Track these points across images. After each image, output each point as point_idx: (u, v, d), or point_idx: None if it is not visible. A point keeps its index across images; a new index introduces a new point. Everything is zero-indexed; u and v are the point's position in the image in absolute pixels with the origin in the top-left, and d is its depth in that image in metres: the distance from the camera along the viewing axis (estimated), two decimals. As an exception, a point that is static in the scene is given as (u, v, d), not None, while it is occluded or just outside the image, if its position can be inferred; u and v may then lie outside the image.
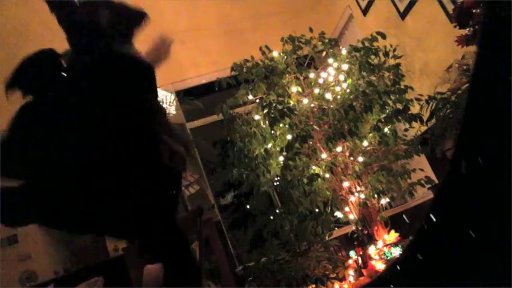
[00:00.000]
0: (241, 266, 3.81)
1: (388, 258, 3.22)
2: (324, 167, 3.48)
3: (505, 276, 0.77)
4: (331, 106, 3.58)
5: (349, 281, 3.41)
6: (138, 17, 1.73)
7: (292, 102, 3.59)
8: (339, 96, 3.63)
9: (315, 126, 3.49)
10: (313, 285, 3.35)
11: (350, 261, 3.54)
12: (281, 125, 3.51)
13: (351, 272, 3.45)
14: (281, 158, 3.60)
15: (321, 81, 3.73)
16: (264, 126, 3.68)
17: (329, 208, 3.51)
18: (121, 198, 1.50)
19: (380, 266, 3.22)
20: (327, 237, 3.56)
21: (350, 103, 3.42)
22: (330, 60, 3.74)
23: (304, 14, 4.86)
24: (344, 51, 3.74)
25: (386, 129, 3.51)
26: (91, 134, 1.47)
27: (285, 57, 3.70)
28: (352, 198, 3.51)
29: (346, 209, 3.54)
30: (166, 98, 4.07)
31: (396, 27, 4.05)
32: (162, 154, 1.58)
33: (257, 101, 3.75)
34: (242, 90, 3.72)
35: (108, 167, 1.47)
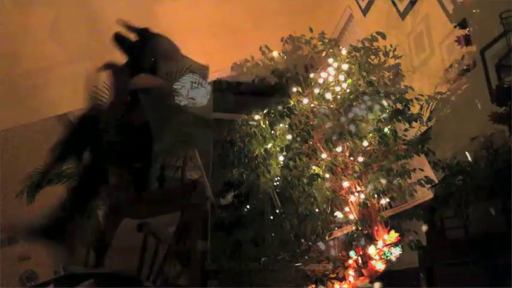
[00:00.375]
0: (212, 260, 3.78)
1: (388, 258, 3.22)
2: (324, 167, 3.48)
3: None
4: (331, 106, 3.57)
5: (349, 281, 3.41)
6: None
7: (292, 102, 3.59)
8: (338, 96, 3.63)
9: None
10: (313, 285, 3.35)
11: (350, 261, 3.53)
12: (281, 125, 3.51)
13: (351, 272, 3.45)
14: (281, 158, 3.60)
15: (321, 81, 3.73)
16: (264, 126, 3.68)
17: (329, 208, 3.51)
18: None
19: (380, 266, 3.21)
20: (327, 237, 3.56)
21: (350, 103, 3.42)
22: (330, 60, 3.74)
23: (304, 14, 4.85)
24: (344, 51, 3.73)
25: (386, 129, 3.50)
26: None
27: (285, 57, 3.70)
28: (352, 198, 3.51)
29: (346, 209, 3.53)
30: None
31: (396, 27, 4.05)
32: None
33: (257, 101, 3.76)
34: (242, 90, 3.72)
35: None
